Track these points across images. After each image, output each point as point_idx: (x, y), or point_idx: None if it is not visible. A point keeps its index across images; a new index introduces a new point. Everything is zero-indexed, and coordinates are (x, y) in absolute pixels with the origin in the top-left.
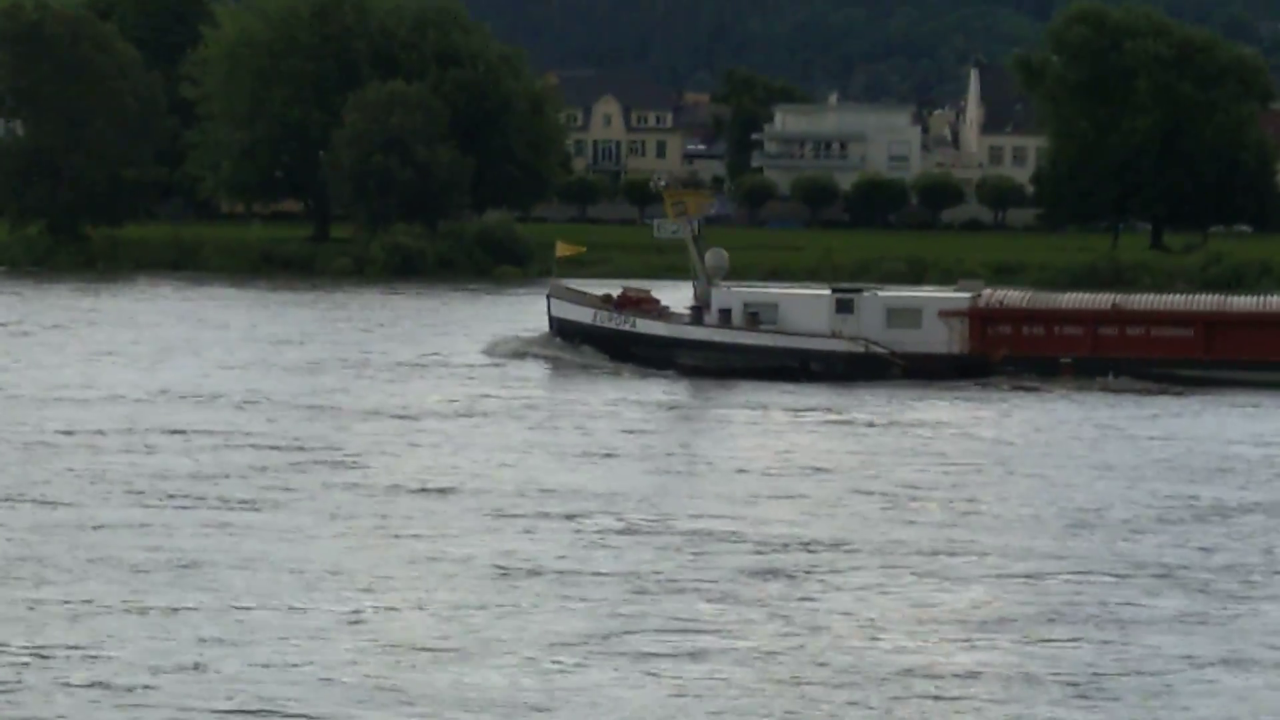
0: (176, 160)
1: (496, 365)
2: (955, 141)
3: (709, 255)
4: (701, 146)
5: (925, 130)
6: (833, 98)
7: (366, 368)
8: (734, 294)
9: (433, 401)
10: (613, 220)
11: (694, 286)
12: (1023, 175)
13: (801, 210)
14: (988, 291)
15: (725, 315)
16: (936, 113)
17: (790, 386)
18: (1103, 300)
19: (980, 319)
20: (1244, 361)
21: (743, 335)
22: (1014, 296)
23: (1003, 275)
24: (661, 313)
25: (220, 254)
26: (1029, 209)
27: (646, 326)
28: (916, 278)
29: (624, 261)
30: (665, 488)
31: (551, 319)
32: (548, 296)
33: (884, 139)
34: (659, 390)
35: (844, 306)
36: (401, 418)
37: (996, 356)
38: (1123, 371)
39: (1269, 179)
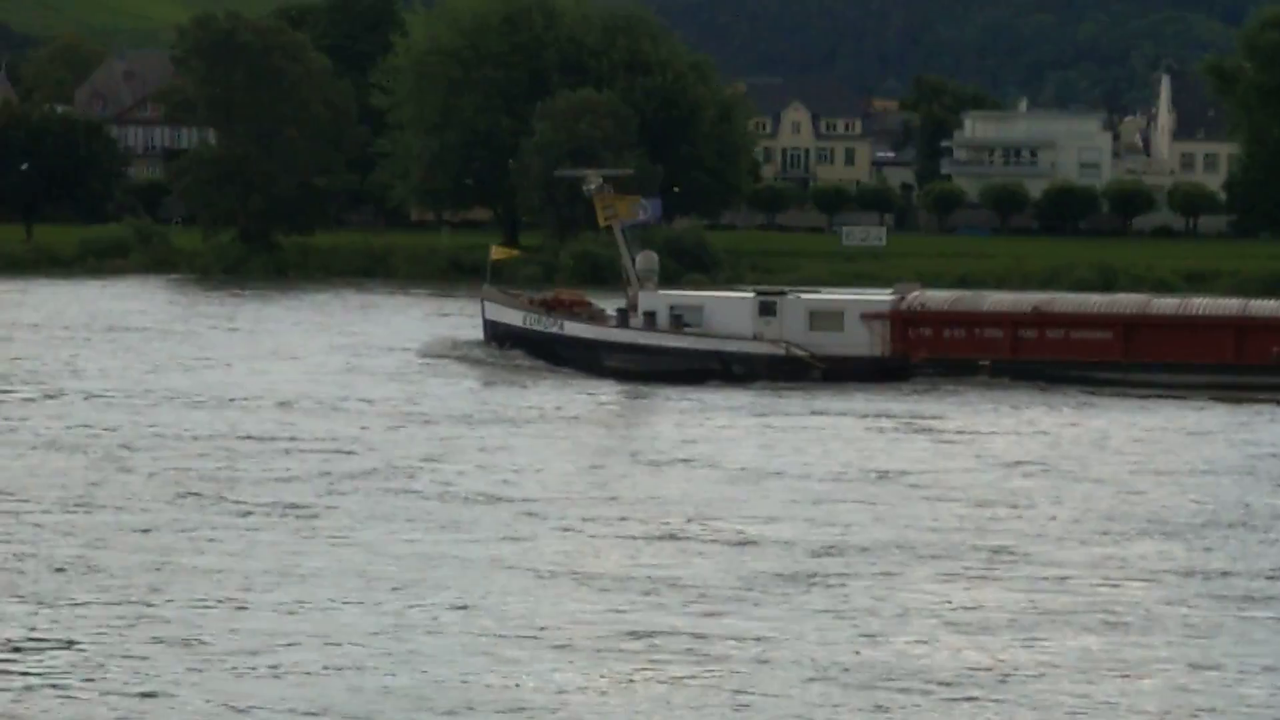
0: (367, 168)
1: (429, 365)
2: (1146, 148)
3: (639, 258)
4: (890, 154)
5: (1116, 137)
6: (1022, 104)
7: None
8: (659, 297)
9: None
10: (801, 228)
11: (626, 291)
12: (1214, 182)
13: (990, 217)
14: (913, 294)
15: (650, 318)
16: (1127, 119)
17: (857, 390)
18: (1025, 302)
19: (902, 321)
20: (1163, 364)
21: (666, 338)
22: (937, 298)
23: (1193, 283)
24: (592, 315)
25: (409, 262)
26: (1221, 216)
27: (573, 329)
28: (1106, 285)
29: (812, 269)
30: (734, 496)
31: (485, 322)
32: (481, 300)
33: (1074, 146)
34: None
35: (767, 309)
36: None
37: (915, 358)
38: (1043, 375)
39: None
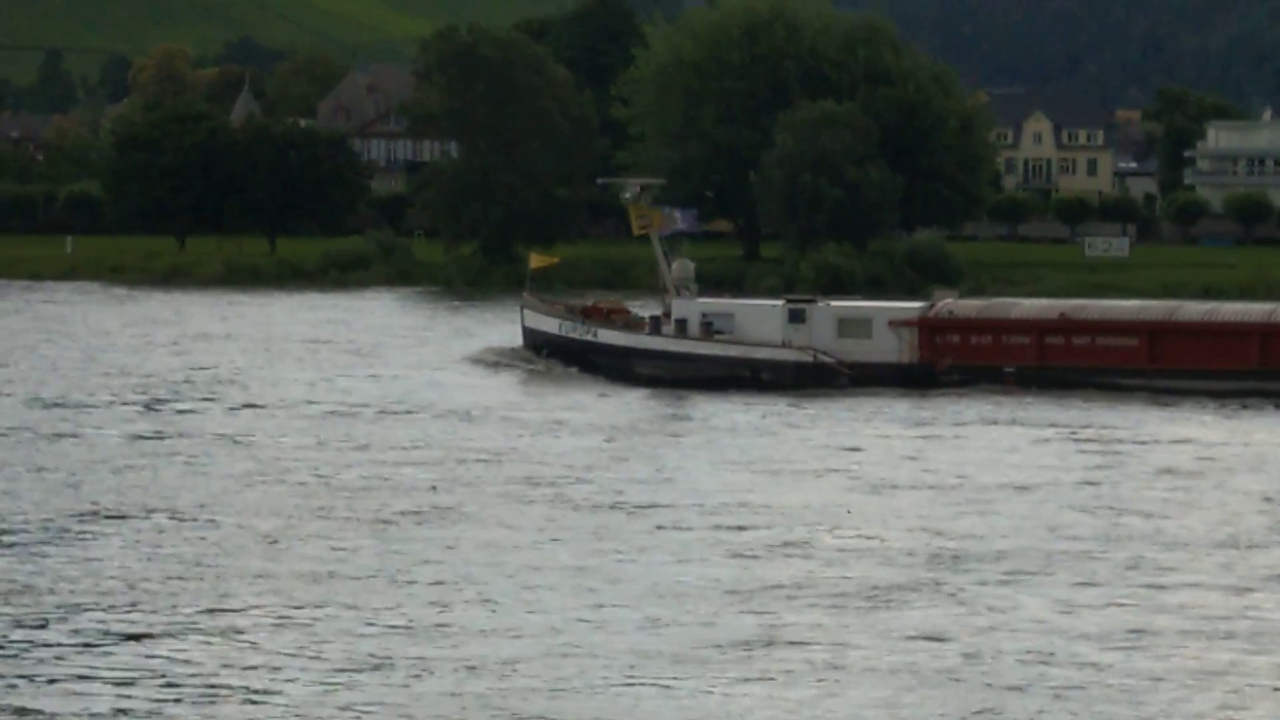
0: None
1: (478, 370)
2: None
3: (675, 266)
4: (1133, 164)
5: None
6: (1266, 114)
7: None
8: (692, 304)
9: None
10: (1043, 239)
11: (663, 298)
12: None
13: (1234, 228)
14: (943, 302)
15: (681, 325)
16: None
17: (1003, 397)
18: (1052, 309)
19: (929, 329)
20: (1189, 371)
21: (696, 345)
22: (966, 306)
23: None
24: (627, 323)
25: (651, 273)
26: None
27: (607, 336)
28: None
29: (1055, 280)
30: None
31: (523, 329)
32: (520, 308)
33: None
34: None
35: (796, 316)
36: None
37: (941, 366)
38: (1068, 381)
39: None
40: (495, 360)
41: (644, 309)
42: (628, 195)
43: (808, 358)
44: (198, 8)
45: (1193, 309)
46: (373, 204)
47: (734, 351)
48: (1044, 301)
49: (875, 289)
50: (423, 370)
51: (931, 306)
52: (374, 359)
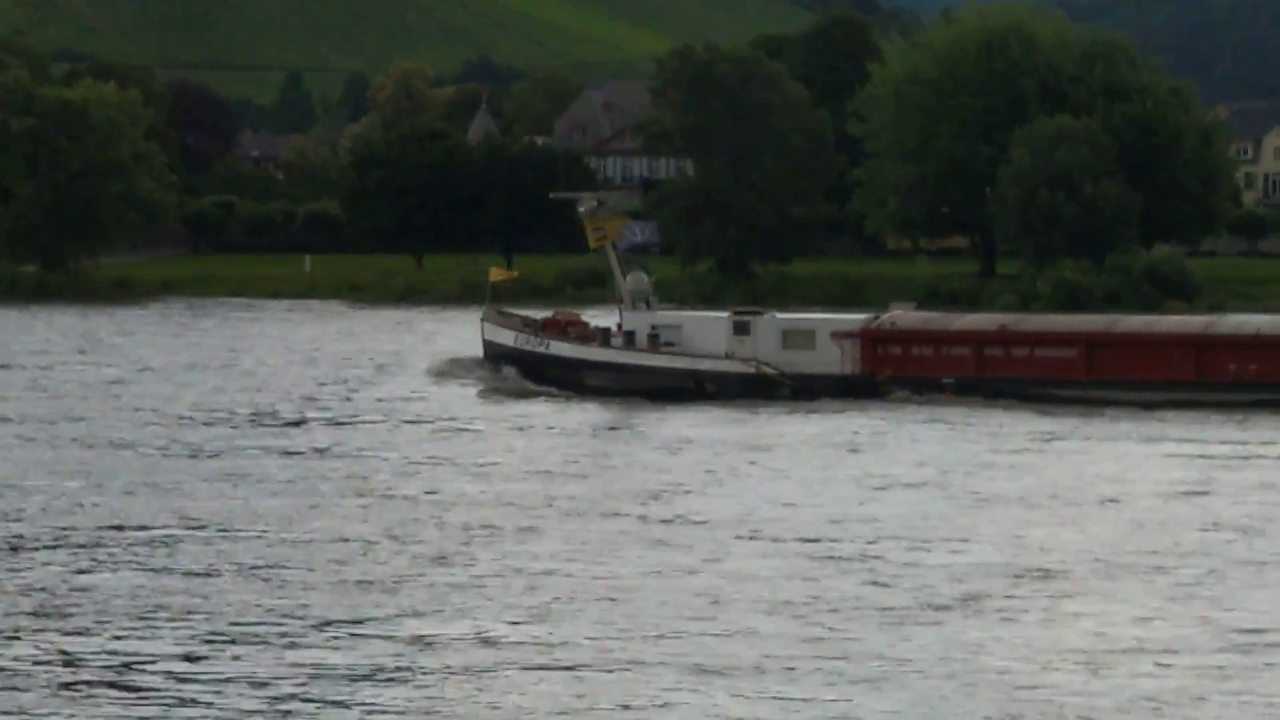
0: (844, 197)
1: (436, 384)
2: None
3: (630, 279)
4: None
5: None
6: None
7: None
8: (641, 316)
9: None
10: None
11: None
12: None
13: None
14: (888, 314)
15: (630, 337)
16: None
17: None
18: (992, 321)
19: (872, 340)
20: (1125, 382)
21: (643, 357)
22: (909, 318)
23: None
24: (581, 335)
25: (887, 290)
26: None
27: (558, 349)
28: None
29: None
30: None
31: (483, 342)
32: (481, 321)
33: None
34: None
35: (741, 329)
36: None
37: (882, 377)
38: (1006, 392)
39: None
40: (452, 371)
41: (606, 321)
42: (582, 209)
43: (750, 369)
44: (437, 27)
45: (1132, 321)
46: None
47: (679, 363)
48: (986, 315)
49: (1113, 305)
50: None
51: (875, 319)
52: None
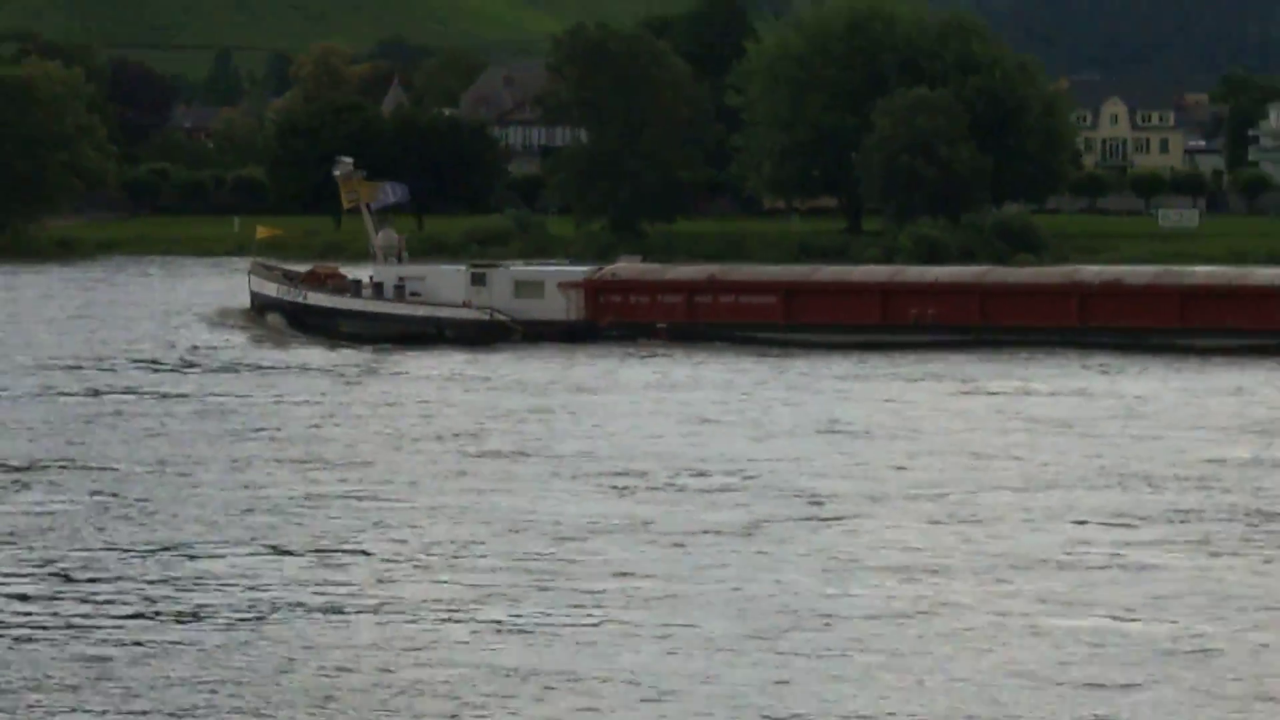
0: (724, 162)
1: (209, 329)
2: None
3: (380, 236)
4: (1201, 143)
5: None
6: None
7: None
8: (390, 270)
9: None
10: (1120, 212)
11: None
12: None
13: None
14: (614, 265)
15: (378, 288)
16: None
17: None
18: (703, 272)
19: (594, 290)
20: (819, 325)
21: (390, 306)
22: (628, 269)
23: None
24: (338, 287)
25: (763, 246)
26: None
27: (314, 299)
28: None
29: (1131, 249)
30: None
31: (250, 293)
32: (248, 274)
33: None
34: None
35: (478, 280)
36: None
37: (603, 323)
38: (714, 336)
39: None
40: (223, 320)
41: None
42: (337, 172)
43: (485, 316)
44: (353, 9)
45: (827, 271)
46: (510, 185)
47: (421, 311)
48: (698, 266)
49: (968, 258)
50: None
51: (598, 270)
52: None
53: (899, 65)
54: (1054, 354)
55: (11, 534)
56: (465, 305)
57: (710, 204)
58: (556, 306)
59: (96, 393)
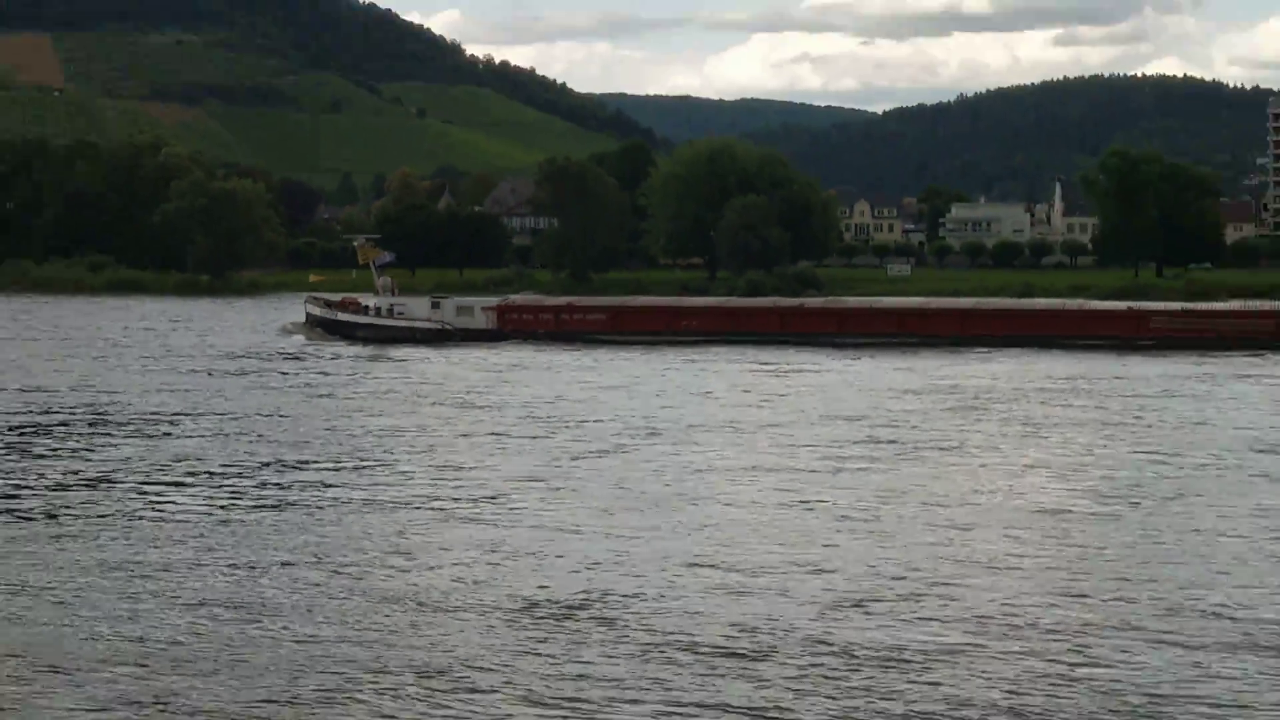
0: (637, 238)
1: (283, 334)
2: (1049, 220)
3: (380, 281)
4: (912, 226)
5: (1032, 215)
6: (982, 199)
7: None
8: (385, 300)
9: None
10: (865, 266)
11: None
12: (1085, 239)
13: (964, 260)
14: (514, 298)
15: (378, 311)
16: (1038, 205)
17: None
18: (563, 300)
19: (502, 311)
20: (639, 331)
21: (384, 320)
22: (522, 299)
23: (1076, 291)
24: (355, 309)
25: (658, 285)
26: (1091, 256)
27: (342, 316)
28: (1027, 294)
29: (871, 289)
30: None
31: (305, 314)
32: (305, 302)
33: (1009, 220)
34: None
35: (435, 305)
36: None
37: (507, 330)
38: (572, 339)
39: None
40: (291, 329)
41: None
42: (356, 242)
43: (438, 326)
44: (423, 150)
45: (640, 299)
46: (513, 251)
47: (402, 324)
48: (567, 297)
49: (777, 293)
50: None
51: (505, 299)
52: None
53: (738, 182)
54: (766, 349)
55: (213, 437)
56: (427, 320)
57: (630, 261)
58: (480, 321)
59: (243, 368)
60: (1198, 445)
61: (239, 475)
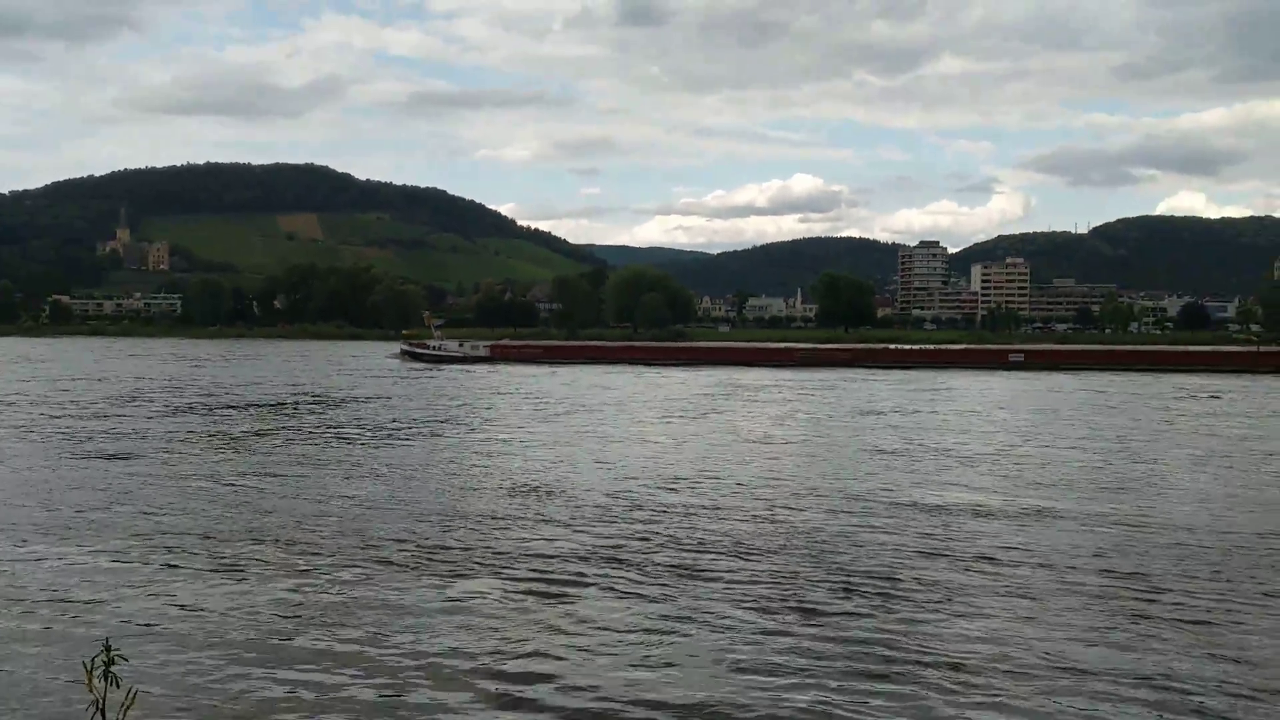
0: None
1: (385, 360)
2: (796, 305)
3: (438, 333)
4: (729, 308)
5: (787, 303)
6: (764, 295)
7: None
8: (437, 342)
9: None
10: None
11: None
12: (811, 313)
13: (755, 324)
14: (503, 341)
15: (437, 348)
16: (789, 299)
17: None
18: (540, 346)
19: (496, 348)
20: (570, 360)
21: (435, 351)
22: (509, 342)
23: (796, 339)
24: (423, 347)
25: (613, 338)
26: (812, 323)
27: (418, 350)
28: (783, 341)
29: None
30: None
31: (400, 350)
32: (400, 342)
33: (775, 305)
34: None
35: (460, 344)
36: None
37: (499, 357)
38: (544, 362)
39: None
40: (390, 357)
41: (436, 341)
42: (424, 313)
43: (462, 354)
44: (496, 271)
45: (575, 344)
46: (540, 321)
47: (444, 354)
48: (541, 342)
49: (660, 339)
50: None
51: (499, 342)
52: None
53: (647, 286)
54: (652, 367)
55: (356, 420)
56: (458, 351)
57: (596, 325)
58: (483, 352)
59: (375, 371)
60: (818, 411)
61: (407, 428)
